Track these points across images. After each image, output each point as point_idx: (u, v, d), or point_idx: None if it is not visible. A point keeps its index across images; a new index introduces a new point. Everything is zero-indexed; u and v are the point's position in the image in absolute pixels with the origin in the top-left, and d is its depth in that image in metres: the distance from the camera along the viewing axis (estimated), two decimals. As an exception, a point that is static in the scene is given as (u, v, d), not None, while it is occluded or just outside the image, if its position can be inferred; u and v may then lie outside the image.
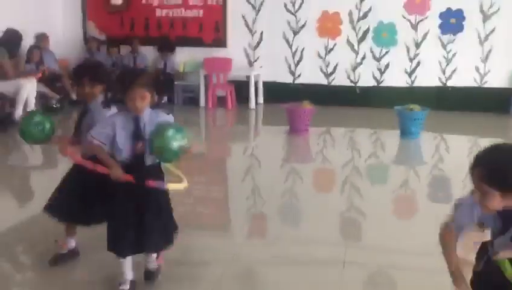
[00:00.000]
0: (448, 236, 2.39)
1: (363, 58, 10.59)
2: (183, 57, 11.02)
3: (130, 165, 3.22)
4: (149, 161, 3.27)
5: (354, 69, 10.65)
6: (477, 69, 10.18)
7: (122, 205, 3.28)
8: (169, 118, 3.38)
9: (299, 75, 10.82)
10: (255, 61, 10.95)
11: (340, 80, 10.69)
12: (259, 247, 4.47)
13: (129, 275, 3.41)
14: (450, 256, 2.39)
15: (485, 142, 7.45)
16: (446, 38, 10.29)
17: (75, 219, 3.77)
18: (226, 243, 4.49)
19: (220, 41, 10.95)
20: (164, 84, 10.74)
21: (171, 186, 3.38)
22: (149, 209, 3.28)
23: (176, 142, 3.16)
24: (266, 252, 4.30)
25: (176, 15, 11.07)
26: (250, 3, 10.77)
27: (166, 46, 10.86)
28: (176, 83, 10.85)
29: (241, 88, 10.59)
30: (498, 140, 7.03)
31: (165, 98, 10.82)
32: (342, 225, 5.02)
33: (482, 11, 10.09)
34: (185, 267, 3.91)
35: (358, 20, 10.54)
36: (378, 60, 10.56)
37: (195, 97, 10.86)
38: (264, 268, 4.01)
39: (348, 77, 10.69)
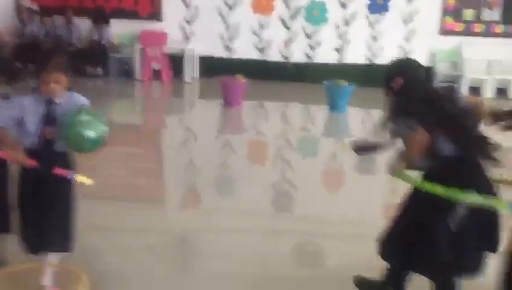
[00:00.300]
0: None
1: (295, 35, 10.74)
2: (118, 30, 10.84)
3: (37, 151, 2.89)
4: (59, 147, 2.93)
5: (286, 45, 10.80)
6: (400, 47, 10.53)
7: (22, 194, 2.99)
8: (86, 101, 3.01)
9: (233, 50, 10.88)
10: (191, 35, 10.92)
11: (274, 55, 10.84)
12: (193, 217, 4.55)
13: None
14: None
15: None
16: (373, 17, 10.59)
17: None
18: (160, 213, 4.55)
19: (155, 14, 10.85)
20: (99, 56, 10.61)
21: (79, 178, 2.91)
22: (50, 203, 2.95)
23: (91, 131, 2.82)
24: (199, 221, 4.37)
25: (111, -13, 10.87)
26: (185, -23, 10.71)
27: (100, 17, 10.67)
28: (110, 55, 10.69)
29: (176, 62, 10.56)
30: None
31: (100, 70, 10.70)
32: (274, 196, 5.16)
33: (406, -8, 10.44)
34: (119, 235, 3.97)
35: (292, -2, 10.68)
36: (309, 37, 10.75)
37: (131, 70, 10.75)
38: (196, 237, 4.09)
39: (281, 53, 10.85)
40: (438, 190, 2.67)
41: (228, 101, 8.70)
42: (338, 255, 3.85)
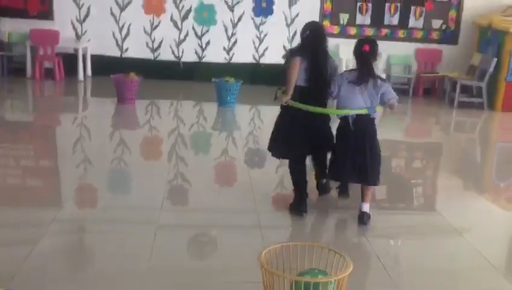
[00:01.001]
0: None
1: (186, 35, 10.78)
2: (8, 27, 10.38)
3: None
4: None
5: (177, 45, 10.82)
6: (284, 48, 10.86)
7: None
8: None
9: (126, 50, 10.74)
10: (83, 34, 10.65)
11: (165, 55, 10.82)
12: (90, 215, 4.49)
13: None
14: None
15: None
16: (258, 20, 10.84)
17: None
18: (56, 215, 4.37)
19: (46, 13, 10.46)
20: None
21: None
22: None
23: None
24: (96, 220, 4.34)
25: (-1, -15, 10.36)
26: (77, -23, 10.42)
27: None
28: (0, 53, 10.19)
29: (69, 61, 10.27)
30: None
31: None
32: (169, 190, 5.17)
33: (288, -3, 10.80)
34: (15, 243, 3.80)
35: (181, -1, 10.71)
36: (199, 37, 10.83)
37: (22, 68, 10.31)
38: (93, 236, 4.05)
39: (173, 53, 10.85)
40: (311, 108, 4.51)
41: (121, 98, 8.61)
42: (232, 246, 3.98)
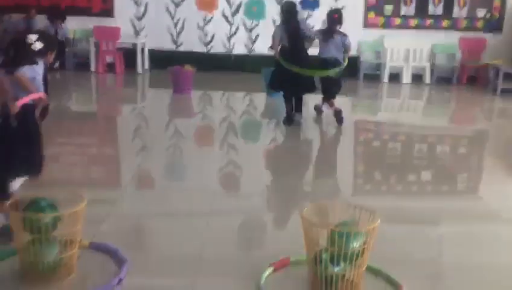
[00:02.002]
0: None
1: (237, 29, 10.78)
2: (73, 25, 10.63)
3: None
4: None
5: (229, 38, 10.83)
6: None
7: None
8: None
9: (181, 44, 10.83)
10: (141, 30, 10.80)
11: (217, 48, 10.86)
12: (148, 200, 4.48)
13: None
14: None
15: (339, 100, 7.88)
16: (305, 13, 10.71)
17: None
18: (118, 198, 4.42)
19: (107, 11, 10.67)
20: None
21: None
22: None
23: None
24: (155, 204, 4.34)
25: (65, -14, 10.61)
26: (135, -23, 10.56)
27: (56, 14, 10.40)
28: (67, 49, 10.46)
29: (128, 55, 10.44)
30: (348, 98, 7.56)
31: (57, 63, 10.44)
32: (222, 177, 5.16)
33: (334, -10, 10.62)
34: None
35: (233, -5, 10.70)
36: (249, 30, 10.80)
37: (86, 63, 10.56)
38: (152, 220, 4.01)
39: (224, 46, 10.87)
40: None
41: (177, 89, 8.70)
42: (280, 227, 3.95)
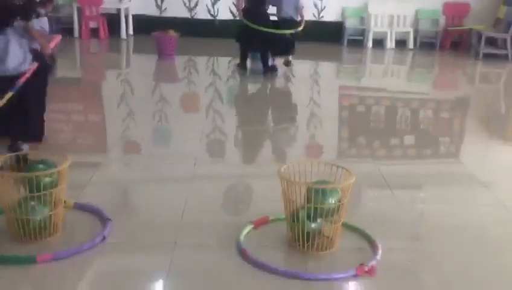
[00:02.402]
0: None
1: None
2: (56, -10, 10.48)
3: None
4: None
5: (213, 4, 10.75)
6: (315, 5, 10.69)
7: None
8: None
9: (165, 9, 10.74)
10: (125, -5, 10.68)
11: (201, 14, 10.78)
12: (134, 166, 4.54)
13: None
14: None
15: (324, 66, 8.05)
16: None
17: None
18: (102, 163, 4.45)
19: (90, -24, 10.50)
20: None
21: None
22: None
23: None
24: (140, 170, 4.39)
25: (46, -50, 10.37)
26: None
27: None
28: (49, 15, 10.30)
29: (112, 20, 10.35)
30: (333, 64, 7.67)
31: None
32: (207, 143, 5.19)
33: (319, -45, 10.56)
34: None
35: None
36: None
37: (70, 28, 10.45)
38: (138, 185, 4.07)
39: (208, 11, 10.80)
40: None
41: (161, 54, 8.70)
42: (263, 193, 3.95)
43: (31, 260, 2.84)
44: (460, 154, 5.34)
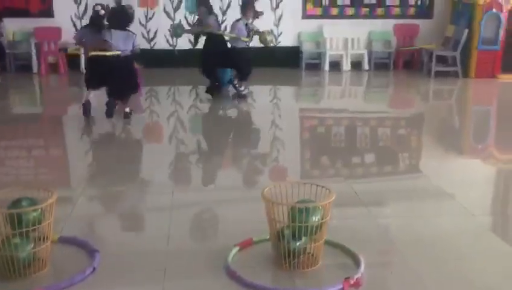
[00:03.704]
0: None
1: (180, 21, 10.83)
2: (12, 27, 10.40)
3: None
4: None
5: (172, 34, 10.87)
6: (271, 31, 10.93)
7: None
8: None
9: (124, 41, 10.77)
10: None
11: (161, 44, 10.90)
12: (113, 197, 4.56)
13: None
14: None
15: (284, 90, 8.26)
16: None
17: None
18: (81, 196, 4.47)
19: (46, 11, 10.48)
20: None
21: None
22: None
23: None
24: (120, 200, 4.45)
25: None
26: (73, -25, 10.45)
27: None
28: (7, 51, 10.23)
29: (72, 55, 10.33)
30: (292, 88, 7.86)
31: (-2, 67, 10.24)
32: (172, 171, 5.28)
33: (272, -18, 10.90)
34: None
35: (174, -10, 10.78)
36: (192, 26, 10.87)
37: (28, 64, 10.37)
38: (120, 216, 4.14)
39: (167, 41, 10.92)
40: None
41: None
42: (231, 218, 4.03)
43: (23, 296, 2.84)
44: (423, 168, 5.57)
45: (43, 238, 3.11)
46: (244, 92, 8.36)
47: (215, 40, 8.23)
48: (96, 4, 7.22)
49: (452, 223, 3.99)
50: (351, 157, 5.76)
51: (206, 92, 8.30)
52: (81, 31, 7.87)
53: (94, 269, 3.10)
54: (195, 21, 8.90)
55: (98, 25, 6.95)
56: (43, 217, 3.09)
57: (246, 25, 8.24)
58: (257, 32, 8.34)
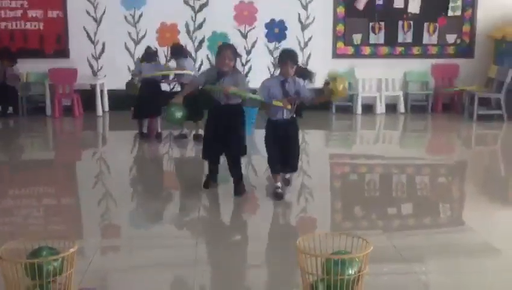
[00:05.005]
0: None
1: (201, 64, 11.15)
2: (26, 68, 10.83)
3: None
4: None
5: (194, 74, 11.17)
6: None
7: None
8: None
9: (142, 83, 11.10)
10: (99, 70, 11.08)
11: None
12: (114, 251, 4.65)
13: None
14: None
15: (313, 134, 8.29)
16: (272, 45, 11.22)
17: None
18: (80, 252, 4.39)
19: (62, 52, 10.91)
20: (8, 95, 10.51)
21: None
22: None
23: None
24: (121, 256, 4.52)
25: (15, 28, 10.86)
26: (90, 15, 10.89)
27: (7, 57, 10.56)
28: (20, 94, 10.63)
29: (87, 97, 10.69)
30: (321, 131, 7.91)
31: (11, 109, 10.61)
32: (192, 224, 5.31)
33: (300, 21, 11.18)
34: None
35: (194, 30, 11.14)
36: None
37: (42, 107, 10.73)
38: (120, 274, 4.13)
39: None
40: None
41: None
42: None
43: None
44: (467, 220, 5.52)
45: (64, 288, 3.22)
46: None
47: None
48: None
49: (500, 281, 3.99)
50: (387, 208, 5.79)
51: (204, 186, 6.25)
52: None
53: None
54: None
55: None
56: (64, 268, 3.21)
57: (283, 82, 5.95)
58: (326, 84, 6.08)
